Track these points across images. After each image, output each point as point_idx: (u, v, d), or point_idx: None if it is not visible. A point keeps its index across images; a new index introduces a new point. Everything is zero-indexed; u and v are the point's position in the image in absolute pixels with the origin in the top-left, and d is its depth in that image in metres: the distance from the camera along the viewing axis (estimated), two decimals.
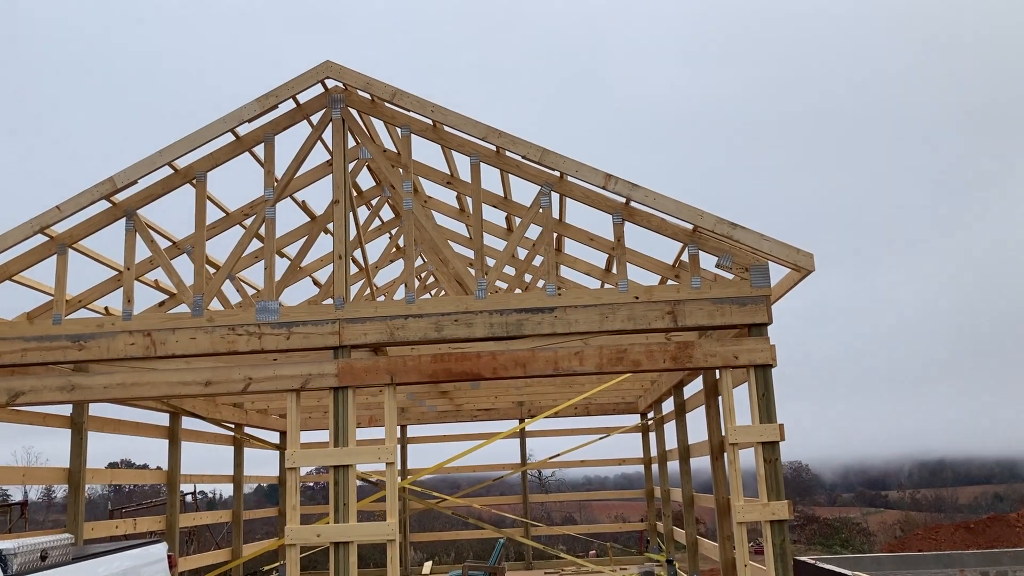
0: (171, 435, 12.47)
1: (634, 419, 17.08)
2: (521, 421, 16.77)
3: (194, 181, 8.26)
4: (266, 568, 16.96)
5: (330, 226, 8.35)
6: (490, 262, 10.17)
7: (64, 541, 5.47)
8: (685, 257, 8.15)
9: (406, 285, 8.06)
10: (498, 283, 11.74)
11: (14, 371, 8.15)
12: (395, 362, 7.84)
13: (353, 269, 12.02)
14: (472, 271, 8.44)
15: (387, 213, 11.62)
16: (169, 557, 6.73)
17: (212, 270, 10.16)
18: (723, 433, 8.05)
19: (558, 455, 15.70)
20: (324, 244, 11.34)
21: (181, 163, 8.21)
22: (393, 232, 11.60)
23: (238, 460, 14.88)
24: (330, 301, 8.11)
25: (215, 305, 9.29)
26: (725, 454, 7.87)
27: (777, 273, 8.41)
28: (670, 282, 8.38)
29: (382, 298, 12.21)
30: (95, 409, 10.58)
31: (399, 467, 16.82)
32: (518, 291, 9.39)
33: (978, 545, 21.49)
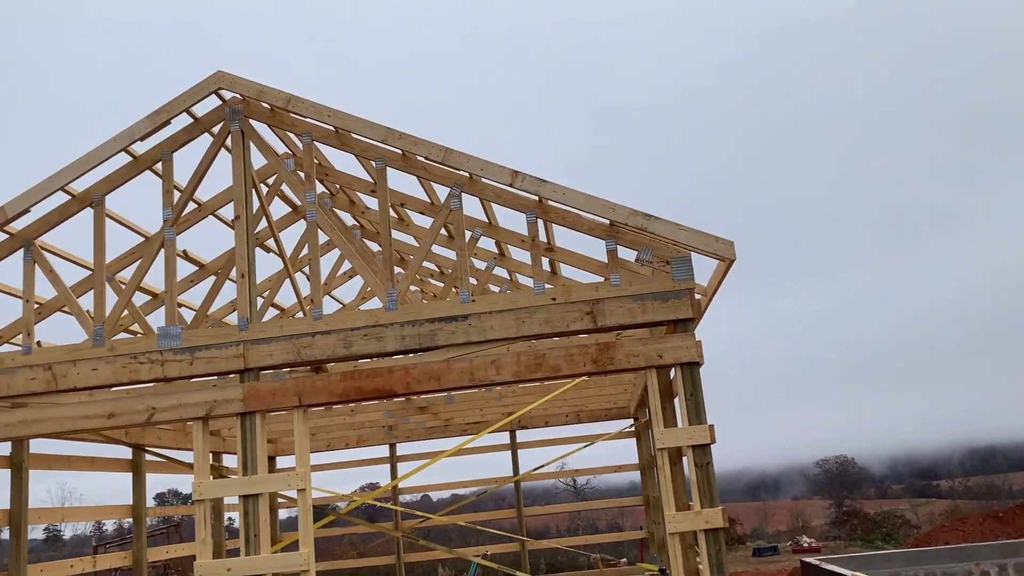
0: (134, 468, 12.19)
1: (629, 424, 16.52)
2: (511, 433, 16.30)
3: (92, 205, 7.96)
4: None
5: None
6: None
7: None
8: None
9: (313, 300, 7.67)
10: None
11: None
12: (303, 383, 7.45)
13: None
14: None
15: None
16: None
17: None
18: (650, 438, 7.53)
19: (541, 466, 15.20)
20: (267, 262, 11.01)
21: (77, 187, 7.91)
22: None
23: None
24: (235, 322, 7.76)
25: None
26: (684, 458, 7.36)
27: (707, 269, 7.94)
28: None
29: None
30: (44, 446, 10.36)
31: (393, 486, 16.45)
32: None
33: (1007, 535, 20.56)
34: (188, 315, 10.42)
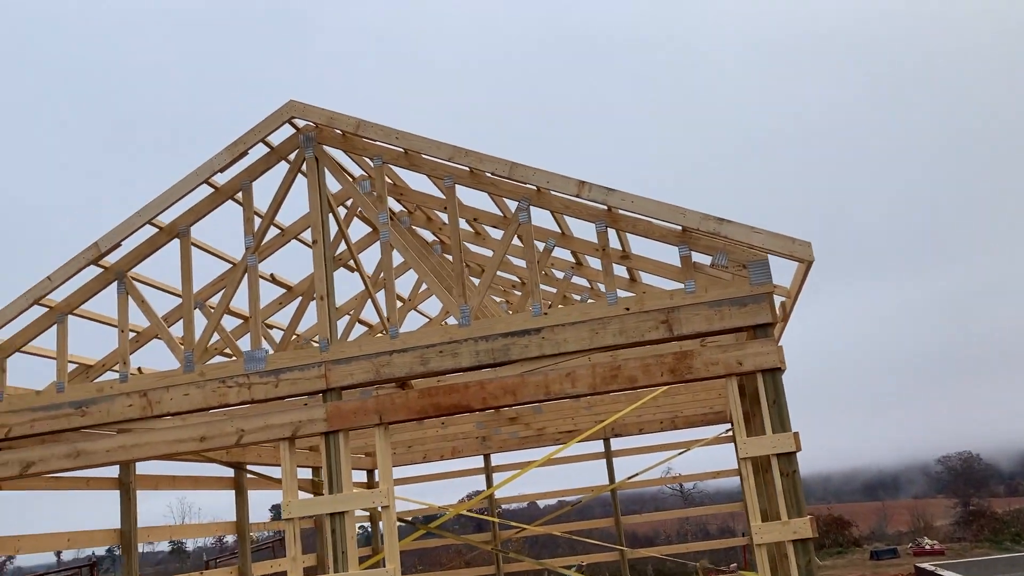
0: (236, 486, 12.61)
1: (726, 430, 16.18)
2: (606, 441, 16.18)
3: (179, 236, 8.27)
4: None
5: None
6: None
7: None
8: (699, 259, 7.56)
9: (389, 320, 7.79)
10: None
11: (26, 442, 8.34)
12: (383, 401, 7.56)
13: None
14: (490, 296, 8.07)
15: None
16: None
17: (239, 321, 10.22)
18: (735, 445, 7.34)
19: (635, 475, 15.03)
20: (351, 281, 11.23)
21: (164, 219, 8.24)
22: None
23: None
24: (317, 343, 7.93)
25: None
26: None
27: (787, 273, 7.73)
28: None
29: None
30: (150, 467, 10.83)
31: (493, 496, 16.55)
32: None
33: None
34: (280, 336, 10.71)
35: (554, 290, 10.47)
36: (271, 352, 7.91)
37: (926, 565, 16.68)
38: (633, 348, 7.51)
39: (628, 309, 7.26)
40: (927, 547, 37.81)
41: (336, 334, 7.94)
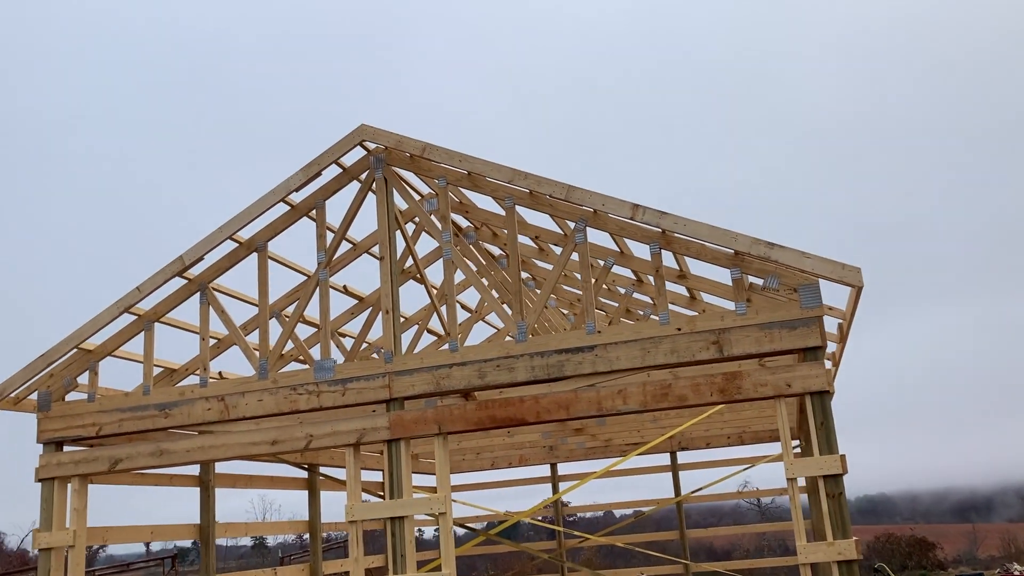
0: (310, 486, 13.17)
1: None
2: (672, 454, 16.27)
3: (257, 251, 8.80)
4: None
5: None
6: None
7: None
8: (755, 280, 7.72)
9: (449, 334, 8.14)
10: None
11: (115, 439, 8.97)
12: (442, 412, 7.92)
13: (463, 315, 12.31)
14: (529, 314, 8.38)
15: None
16: None
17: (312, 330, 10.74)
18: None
19: (699, 489, 15.07)
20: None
21: (243, 235, 8.77)
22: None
23: None
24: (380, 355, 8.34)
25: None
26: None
27: (840, 297, 7.82)
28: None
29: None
30: (229, 467, 11.44)
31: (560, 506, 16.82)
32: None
33: None
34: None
35: (616, 304, 10.70)
36: (339, 362, 8.35)
37: None
38: (685, 367, 7.69)
39: (680, 329, 7.46)
40: (1016, 572, 36.49)
41: (401, 346, 8.32)
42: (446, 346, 10.03)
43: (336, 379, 8.24)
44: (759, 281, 7.67)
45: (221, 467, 11.16)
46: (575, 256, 8.24)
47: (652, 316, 10.87)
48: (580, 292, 11.78)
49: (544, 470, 16.96)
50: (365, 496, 10.27)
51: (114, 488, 10.21)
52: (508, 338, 8.10)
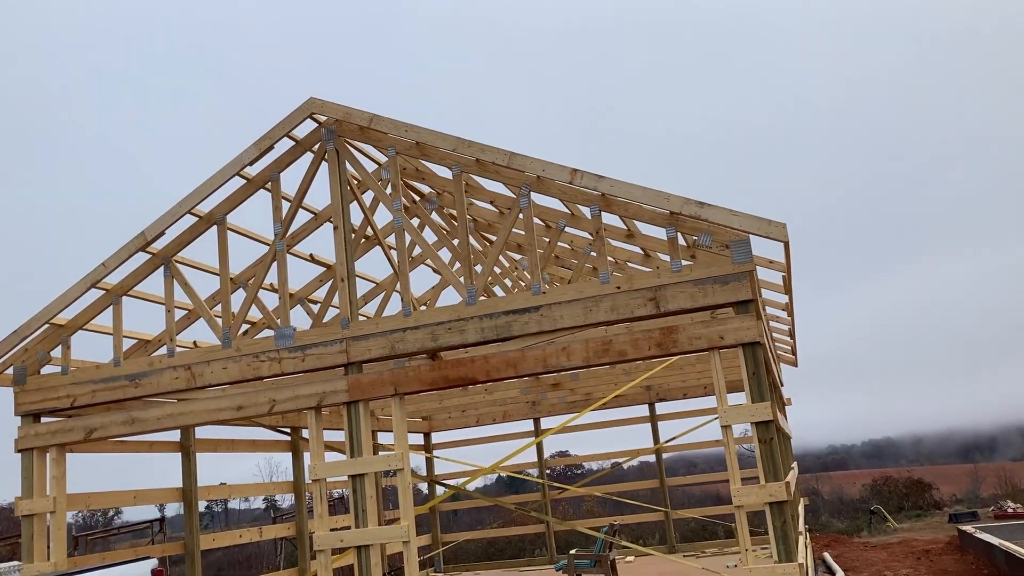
0: (293, 448, 13.58)
1: None
2: (651, 405, 16.67)
3: (216, 224, 9.08)
4: None
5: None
6: None
7: (10, 568, 6.27)
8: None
9: (402, 299, 8.45)
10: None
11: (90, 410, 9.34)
12: (397, 374, 8.26)
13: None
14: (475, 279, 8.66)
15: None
16: (156, 573, 7.51)
17: None
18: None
19: (672, 438, 15.49)
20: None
21: (203, 209, 9.04)
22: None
23: None
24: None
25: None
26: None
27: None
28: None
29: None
30: (211, 432, 11.84)
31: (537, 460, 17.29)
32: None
33: None
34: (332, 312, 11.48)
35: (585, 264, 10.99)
36: (304, 329, 8.67)
37: (968, 527, 16.73)
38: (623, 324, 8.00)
39: (619, 288, 7.75)
40: (1009, 510, 37.06)
41: (357, 313, 8.63)
42: (424, 307, 10.35)
43: (296, 346, 8.57)
44: (708, 240, 7.93)
45: (202, 432, 11.55)
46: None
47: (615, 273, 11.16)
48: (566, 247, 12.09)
49: (528, 425, 17.42)
50: (337, 456, 10.67)
51: (128, 459, 10.68)
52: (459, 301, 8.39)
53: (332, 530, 8.29)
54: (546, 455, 17.36)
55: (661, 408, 16.61)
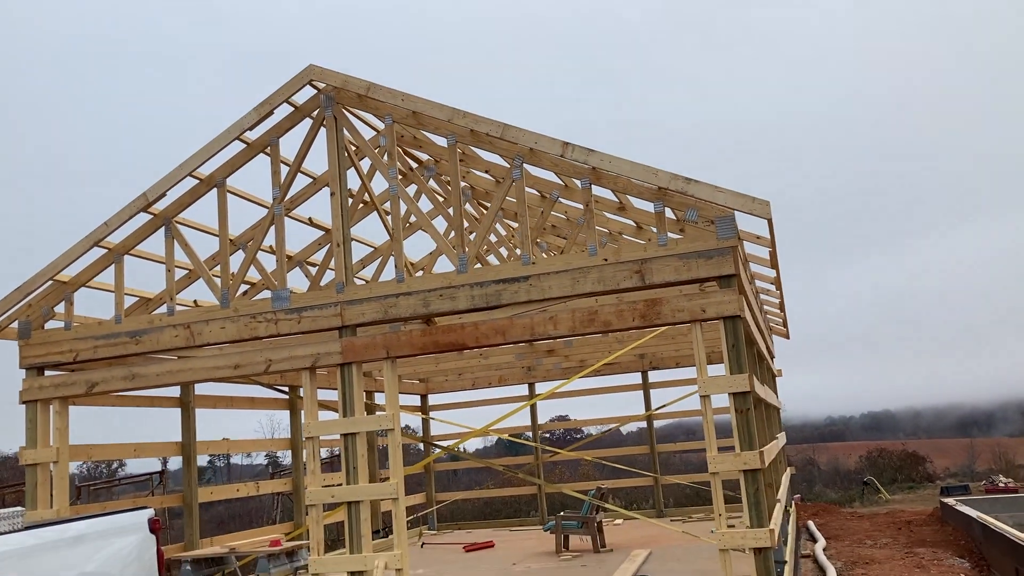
0: (291, 406, 13.90)
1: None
2: (643, 373, 16.96)
3: (216, 186, 9.28)
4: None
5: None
6: None
7: (13, 513, 6.57)
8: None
9: (395, 265, 8.67)
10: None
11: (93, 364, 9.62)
12: (390, 338, 8.51)
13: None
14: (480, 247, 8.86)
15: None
16: (153, 522, 7.83)
17: None
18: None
19: (663, 405, 15.79)
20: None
21: (204, 172, 9.24)
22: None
23: None
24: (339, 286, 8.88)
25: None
26: None
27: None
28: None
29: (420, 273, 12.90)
30: (210, 389, 12.14)
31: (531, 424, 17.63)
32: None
33: None
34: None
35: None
36: (294, 292, 8.91)
37: (949, 500, 17.08)
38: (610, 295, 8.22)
39: (606, 260, 7.97)
40: (1000, 485, 37.47)
41: (353, 277, 8.86)
42: (419, 273, 10.58)
43: (292, 308, 8.81)
44: (694, 216, 8.12)
45: (201, 388, 11.85)
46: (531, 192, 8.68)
47: (609, 245, 11.37)
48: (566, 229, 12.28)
49: (523, 390, 17.74)
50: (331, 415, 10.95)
51: (136, 413, 10.96)
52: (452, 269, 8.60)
53: (324, 486, 8.59)
54: (546, 419, 17.74)
55: (654, 376, 16.91)
